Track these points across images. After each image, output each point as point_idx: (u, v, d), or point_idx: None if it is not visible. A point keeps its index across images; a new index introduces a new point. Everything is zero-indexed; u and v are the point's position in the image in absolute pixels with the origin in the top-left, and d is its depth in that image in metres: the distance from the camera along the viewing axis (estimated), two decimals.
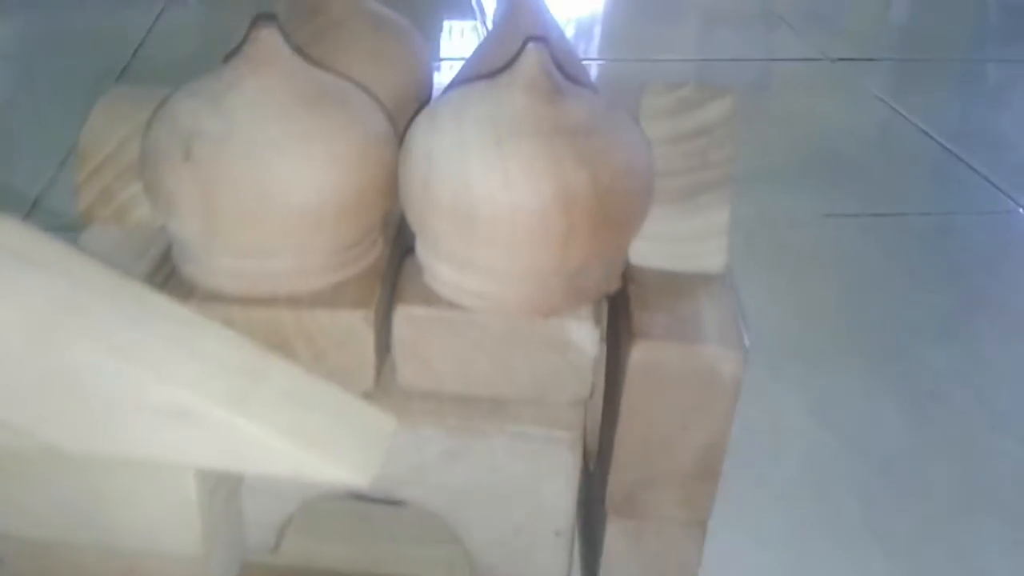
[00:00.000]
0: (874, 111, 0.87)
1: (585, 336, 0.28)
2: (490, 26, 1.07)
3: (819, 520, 0.42)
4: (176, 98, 0.27)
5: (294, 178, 0.26)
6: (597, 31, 1.13)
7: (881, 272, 0.62)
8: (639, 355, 0.27)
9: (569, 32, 1.10)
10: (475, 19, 1.11)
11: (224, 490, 0.30)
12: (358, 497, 0.32)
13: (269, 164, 0.25)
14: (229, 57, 0.28)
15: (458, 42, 1.06)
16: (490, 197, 0.25)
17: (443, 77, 0.93)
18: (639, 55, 0.99)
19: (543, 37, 0.27)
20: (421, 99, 0.33)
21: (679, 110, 0.30)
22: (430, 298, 0.28)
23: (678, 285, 0.29)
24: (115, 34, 0.97)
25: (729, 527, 0.39)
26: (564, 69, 0.28)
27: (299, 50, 0.28)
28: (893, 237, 0.66)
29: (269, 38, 0.26)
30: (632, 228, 0.27)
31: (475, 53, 0.33)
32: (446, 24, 1.10)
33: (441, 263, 0.28)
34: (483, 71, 0.31)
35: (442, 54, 1.00)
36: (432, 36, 1.06)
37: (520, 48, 0.26)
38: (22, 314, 0.25)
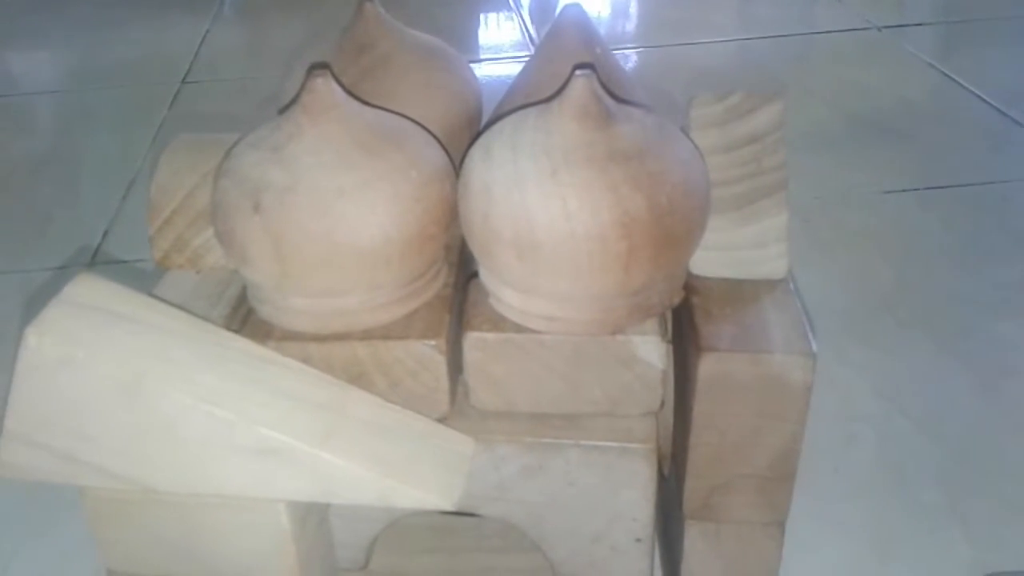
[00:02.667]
0: (926, 79, 0.85)
1: (652, 351, 0.28)
2: (527, 18, 1.07)
3: (899, 506, 0.42)
4: (239, 150, 0.29)
5: (360, 223, 0.27)
6: (633, 13, 1.12)
7: (943, 246, 0.61)
8: (707, 368, 0.27)
9: (605, 14, 1.10)
10: (510, 11, 1.11)
11: (315, 517, 0.31)
12: (442, 511, 0.33)
13: (335, 211, 0.26)
14: (286, 108, 0.29)
15: (495, 35, 1.06)
16: (550, 227, 0.26)
17: (484, 71, 0.93)
18: (679, 39, 0.98)
19: (590, 64, 0.27)
20: (473, 124, 0.34)
21: (729, 119, 0.30)
22: (498, 322, 0.29)
23: (741, 293, 0.30)
24: (162, 61, 0.99)
25: (808, 518, 0.39)
26: (612, 89, 0.28)
27: (352, 93, 0.29)
28: (953, 209, 0.65)
29: (324, 87, 0.27)
30: (692, 244, 0.28)
31: (523, 72, 0.34)
32: (482, 17, 1.10)
33: (506, 289, 0.28)
34: (532, 92, 0.31)
35: (481, 52, 1.00)
36: (470, 31, 1.06)
37: (568, 76, 0.26)
38: (115, 368, 0.26)
